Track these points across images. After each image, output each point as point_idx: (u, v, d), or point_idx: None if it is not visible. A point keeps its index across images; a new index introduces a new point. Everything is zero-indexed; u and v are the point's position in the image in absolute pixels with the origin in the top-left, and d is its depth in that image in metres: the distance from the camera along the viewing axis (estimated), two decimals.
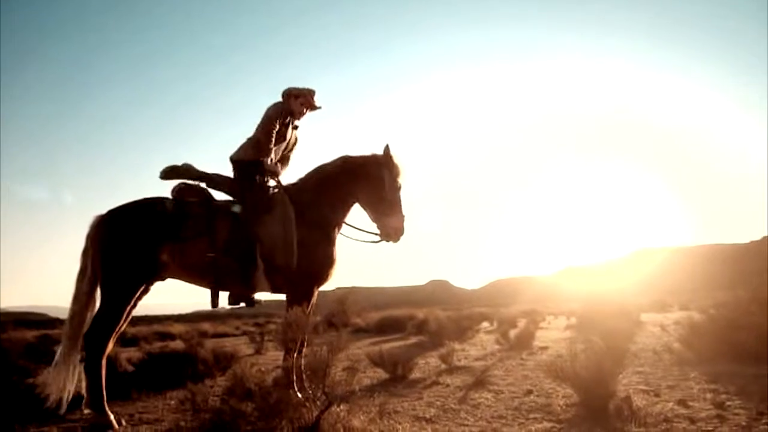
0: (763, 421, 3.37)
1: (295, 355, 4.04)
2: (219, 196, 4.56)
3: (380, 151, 4.53)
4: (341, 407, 3.24)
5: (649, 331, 10.48)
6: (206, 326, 18.38)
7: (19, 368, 6.10)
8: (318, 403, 3.09)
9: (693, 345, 6.17)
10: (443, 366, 6.53)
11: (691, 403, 3.94)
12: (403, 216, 4.42)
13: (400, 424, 3.66)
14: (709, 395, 4.19)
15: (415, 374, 5.97)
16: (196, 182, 4.50)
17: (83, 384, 4.01)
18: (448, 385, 5.28)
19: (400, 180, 4.47)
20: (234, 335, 17.58)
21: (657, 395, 4.30)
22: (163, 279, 4.33)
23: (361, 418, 3.32)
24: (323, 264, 4.33)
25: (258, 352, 10.03)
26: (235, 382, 3.60)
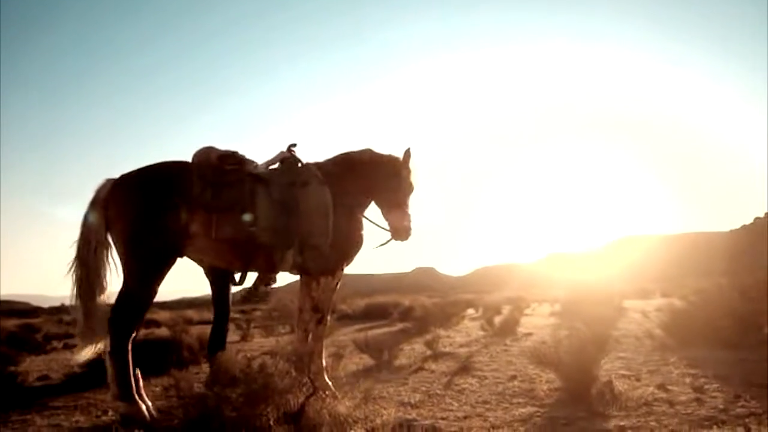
0: (739, 403, 3.45)
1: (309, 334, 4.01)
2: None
3: (388, 151, 4.57)
4: (327, 393, 3.25)
5: (632, 318, 10.64)
6: (191, 313, 18.28)
7: (1, 356, 6.03)
8: (304, 389, 3.10)
9: (673, 331, 6.27)
10: (428, 352, 6.57)
11: (670, 387, 4.01)
12: (410, 216, 4.46)
13: (385, 409, 3.69)
14: (688, 379, 4.27)
15: (401, 360, 6.01)
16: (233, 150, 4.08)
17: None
18: (433, 371, 5.32)
19: (414, 183, 4.51)
20: None
21: (638, 380, 4.37)
22: (182, 256, 3.82)
23: (347, 403, 3.35)
24: (354, 246, 4.27)
25: (244, 338, 10.02)
26: (219, 368, 3.59)
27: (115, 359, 3.50)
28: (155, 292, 3.68)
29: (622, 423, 3.19)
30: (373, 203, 4.48)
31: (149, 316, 17.28)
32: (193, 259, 4.04)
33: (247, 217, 3.77)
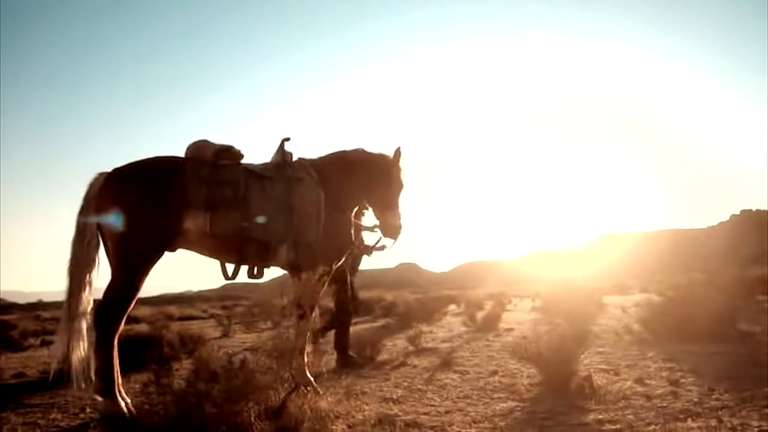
0: (714, 396, 3.53)
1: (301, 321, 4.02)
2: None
3: (379, 150, 4.63)
4: (308, 388, 3.25)
5: (611, 313, 10.80)
6: (172, 309, 18.14)
7: None
8: (285, 384, 3.10)
9: (651, 326, 6.38)
10: (411, 348, 6.60)
11: (648, 381, 4.08)
12: (401, 214, 4.55)
13: (367, 404, 3.70)
14: (665, 373, 4.35)
15: (383, 356, 6.03)
16: (230, 145, 4.08)
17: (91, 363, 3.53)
18: (415, 366, 5.35)
19: (404, 181, 4.57)
20: (201, 318, 17.39)
21: (616, 374, 4.44)
22: (173, 250, 3.85)
23: (328, 399, 3.34)
24: (344, 244, 4.31)
25: (225, 335, 9.95)
26: (200, 364, 3.56)
27: (99, 352, 3.48)
28: (141, 285, 3.69)
29: (600, 416, 3.24)
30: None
31: (130, 312, 17.07)
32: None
33: (240, 213, 3.79)
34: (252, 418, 2.84)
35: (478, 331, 8.71)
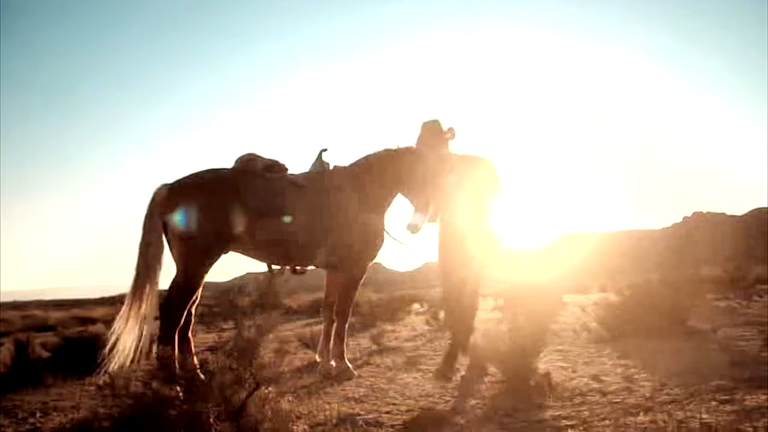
0: (665, 391, 3.67)
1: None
2: None
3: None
4: (270, 389, 3.21)
5: (571, 312, 11.05)
6: None
7: None
8: (246, 385, 3.05)
9: (608, 324, 6.56)
10: (374, 347, 6.62)
11: (603, 378, 4.21)
12: (428, 209, 4.71)
13: (329, 404, 3.70)
14: (619, 370, 4.49)
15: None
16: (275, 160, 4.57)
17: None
18: (378, 366, 5.36)
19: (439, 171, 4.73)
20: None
21: (574, 371, 4.56)
22: (226, 252, 4.35)
23: (290, 399, 3.32)
24: (378, 245, 4.80)
25: None
26: (159, 365, 3.48)
27: (164, 343, 3.83)
28: (201, 283, 4.21)
29: (558, 413, 3.33)
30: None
31: (85, 313, 16.51)
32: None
33: (287, 221, 4.29)
34: (211, 420, 2.80)
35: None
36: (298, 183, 4.48)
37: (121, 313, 4.07)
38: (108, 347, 3.98)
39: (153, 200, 4.18)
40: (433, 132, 4.83)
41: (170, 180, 4.32)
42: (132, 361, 3.97)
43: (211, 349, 3.40)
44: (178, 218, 4.07)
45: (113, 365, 3.89)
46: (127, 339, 4.00)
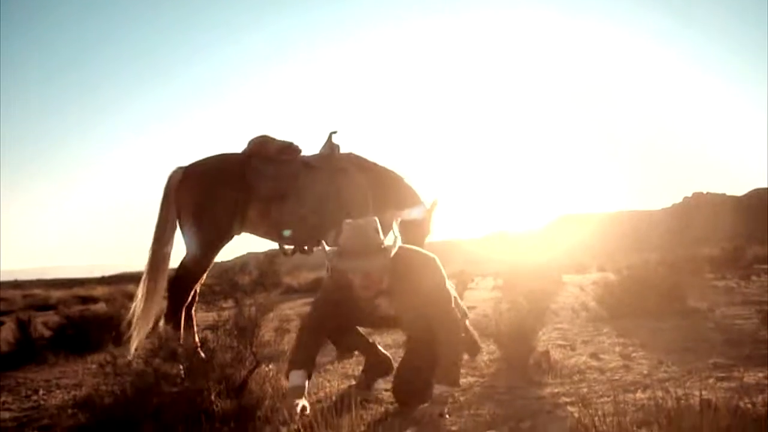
0: (662, 369, 3.69)
1: None
2: None
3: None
4: (270, 367, 3.24)
5: (569, 291, 11.12)
6: (132, 288, 17.72)
7: None
8: (246, 363, 3.07)
9: (606, 303, 6.60)
10: None
11: (601, 356, 4.23)
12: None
13: (329, 381, 3.73)
14: (618, 348, 4.52)
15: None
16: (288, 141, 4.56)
17: None
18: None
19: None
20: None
21: (573, 349, 4.59)
22: (239, 233, 4.39)
23: None
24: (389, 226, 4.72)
25: None
26: (159, 343, 3.50)
27: (172, 320, 3.99)
28: (211, 263, 4.30)
29: (556, 390, 3.35)
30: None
31: (87, 292, 16.60)
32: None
33: (298, 202, 4.33)
34: (212, 397, 2.82)
35: None
36: (311, 164, 4.50)
37: (139, 291, 4.18)
38: (129, 326, 4.09)
39: (168, 183, 4.26)
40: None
41: (185, 163, 4.38)
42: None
43: (212, 328, 3.41)
44: (190, 201, 4.15)
45: (133, 345, 4.01)
46: (144, 319, 4.11)
